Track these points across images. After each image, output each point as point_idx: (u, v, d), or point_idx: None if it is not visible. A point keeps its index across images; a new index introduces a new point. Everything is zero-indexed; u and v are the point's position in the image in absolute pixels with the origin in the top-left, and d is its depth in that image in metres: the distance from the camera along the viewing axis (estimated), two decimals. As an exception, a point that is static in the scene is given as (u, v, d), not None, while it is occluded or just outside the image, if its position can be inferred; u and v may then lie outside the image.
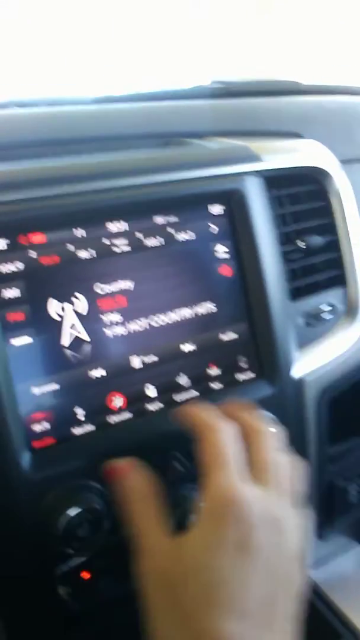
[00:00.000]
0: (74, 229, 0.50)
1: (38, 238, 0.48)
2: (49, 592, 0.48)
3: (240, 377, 0.57)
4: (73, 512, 0.45)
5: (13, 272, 0.47)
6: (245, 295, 0.58)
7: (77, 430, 0.49)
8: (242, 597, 0.36)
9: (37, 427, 0.48)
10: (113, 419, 0.51)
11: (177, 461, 0.52)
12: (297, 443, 0.60)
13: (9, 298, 0.47)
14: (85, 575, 0.49)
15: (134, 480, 0.45)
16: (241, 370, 0.58)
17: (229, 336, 0.57)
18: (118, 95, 0.77)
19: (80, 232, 0.50)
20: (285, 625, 0.37)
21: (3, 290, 0.46)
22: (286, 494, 0.42)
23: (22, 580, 0.48)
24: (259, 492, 0.40)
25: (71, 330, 0.49)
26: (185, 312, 0.55)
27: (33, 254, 0.48)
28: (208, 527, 0.39)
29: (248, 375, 0.58)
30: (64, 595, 0.49)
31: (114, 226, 0.51)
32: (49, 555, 0.47)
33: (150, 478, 0.45)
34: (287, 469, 0.44)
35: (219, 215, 0.57)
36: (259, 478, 0.42)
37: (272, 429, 0.48)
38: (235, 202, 0.57)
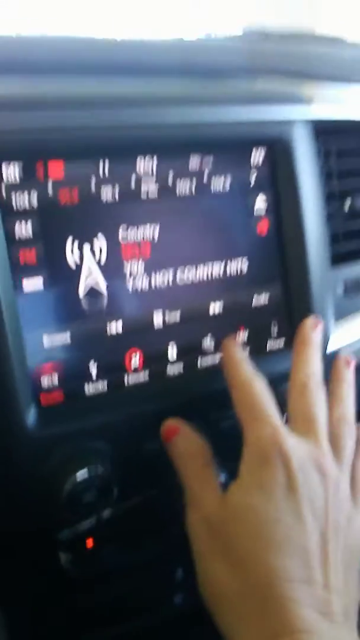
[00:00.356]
0: (98, 162, 0.44)
1: (57, 169, 0.43)
2: (49, 558, 0.45)
3: (270, 344, 0.52)
4: (80, 475, 0.41)
5: (27, 206, 0.42)
6: (281, 255, 0.52)
7: (89, 388, 0.45)
8: (297, 535, 0.36)
9: (46, 381, 0.44)
10: (129, 378, 0.46)
11: (196, 429, 0.47)
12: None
13: (21, 236, 0.42)
14: (89, 542, 0.46)
15: (190, 440, 0.44)
16: (272, 337, 0.52)
17: (261, 299, 0.52)
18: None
19: (105, 167, 0.45)
20: (339, 567, 0.37)
21: (15, 226, 0.42)
22: (327, 446, 0.42)
23: (21, 544, 0.45)
24: (299, 439, 0.41)
25: (88, 278, 0.44)
26: (215, 269, 0.49)
27: (50, 188, 0.43)
28: (253, 472, 0.39)
29: (278, 343, 0.53)
30: (64, 562, 0.45)
31: (144, 164, 0.46)
32: (51, 520, 0.43)
33: (200, 438, 0.44)
34: (324, 423, 0.43)
35: (260, 163, 0.51)
36: (298, 428, 0.42)
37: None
38: (280, 150, 0.50)
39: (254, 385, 0.43)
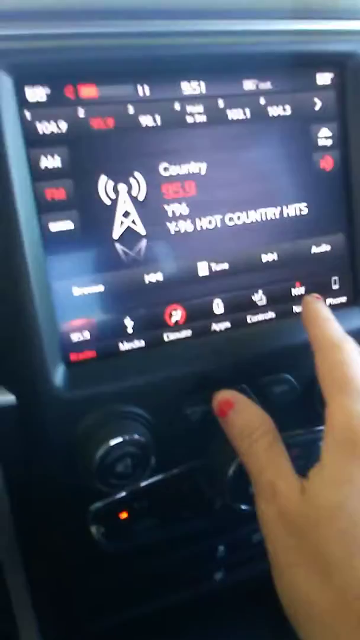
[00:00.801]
0: (137, 85, 0.38)
1: (89, 91, 0.37)
2: (80, 531, 0.41)
3: (330, 300, 0.46)
4: (112, 443, 0.36)
5: (54, 133, 0.36)
6: (347, 197, 0.45)
7: (125, 345, 0.40)
8: None
9: (76, 337, 0.39)
10: (169, 335, 0.41)
11: (244, 394, 0.42)
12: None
13: (48, 168, 0.36)
14: (123, 515, 0.42)
15: (250, 414, 0.37)
16: (332, 292, 0.46)
17: (321, 248, 0.45)
18: None
19: (144, 90, 0.38)
20: None
21: (41, 157, 0.36)
22: None
23: (52, 515, 0.41)
24: None
25: (124, 219, 0.39)
26: (270, 212, 0.43)
27: (81, 112, 0.37)
28: (339, 461, 0.32)
29: (340, 299, 0.46)
30: (96, 535, 0.41)
31: (190, 87, 0.39)
32: (82, 491, 0.39)
33: (261, 410, 0.38)
34: None
35: (326, 87, 0.43)
36: None
37: None
38: (350, 70, 0.43)
39: (345, 349, 0.35)
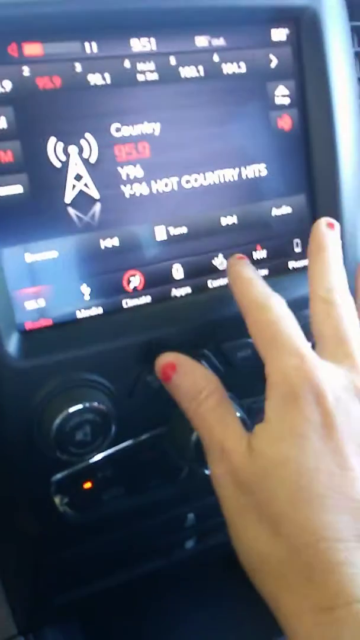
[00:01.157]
0: (84, 42, 0.37)
1: (33, 49, 0.35)
2: (44, 502, 0.40)
3: (292, 264, 0.45)
4: (70, 410, 0.36)
5: (-2, 93, 0.35)
6: (307, 157, 0.44)
7: (82, 313, 0.39)
8: (342, 484, 0.30)
9: (30, 305, 0.38)
10: (127, 302, 0.40)
11: (207, 361, 0.41)
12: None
13: (-7, 129, 0.35)
14: (87, 484, 0.41)
15: (195, 375, 0.37)
16: (294, 255, 0.45)
17: (282, 210, 0.44)
18: None
19: (92, 47, 0.37)
20: None
21: (-15, 118, 0.35)
22: None
23: (13, 486, 0.40)
24: (332, 366, 0.34)
25: (76, 182, 0.38)
26: (228, 174, 0.42)
27: (26, 70, 0.35)
28: (281, 415, 0.32)
29: (301, 262, 0.46)
30: (60, 505, 0.41)
31: (140, 44, 0.38)
32: (44, 461, 0.38)
33: (205, 370, 0.38)
34: (359, 341, 0.35)
35: (282, 43, 0.42)
36: (329, 353, 0.35)
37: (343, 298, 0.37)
38: (306, 25, 0.42)
39: (271, 306, 0.36)
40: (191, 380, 0.36)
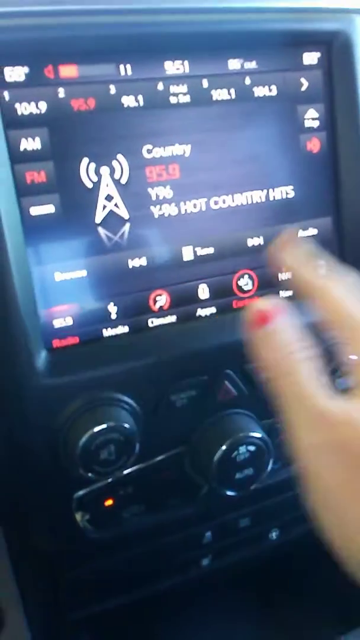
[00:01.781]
0: (119, 65, 0.37)
1: (69, 71, 0.36)
2: (65, 518, 0.40)
3: (317, 285, 0.45)
4: (95, 430, 0.36)
5: (33, 114, 0.35)
6: (335, 179, 0.44)
7: (108, 331, 0.39)
8: None
9: (59, 323, 0.38)
10: (153, 321, 0.40)
11: (230, 382, 0.42)
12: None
13: (28, 150, 0.35)
14: (108, 502, 0.41)
15: (285, 326, 0.32)
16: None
17: (308, 232, 0.44)
18: None
19: (126, 69, 0.37)
20: None
21: (21, 139, 0.35)
22: None
23: (36, 501, 0.40)
24: None
25: (107, 202, 0.38)
26: (256, 195, 0.42)
27: (61, 92, 0.36)
28: None
29: (326, 284, 0.46)
30: (81, 522, 0.41)
31: (173, 67, 0.38)
32: (66, 478, 0.38)
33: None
34: None
35: (313, 66, 0.42)
36: None
37: None
38: (338, 49, 0.42)
39: (337, 285, 0.32)
40: (291, 330, 0.32)
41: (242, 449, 0.40)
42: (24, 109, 0.35)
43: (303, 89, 0.42)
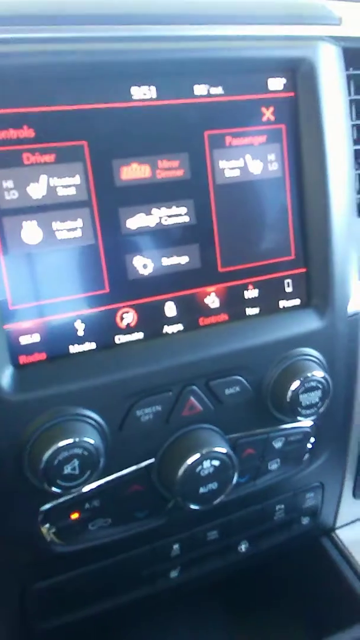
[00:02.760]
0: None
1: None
2: (31, 531, 0.41)
3: (283, 303, 0.47)
4: (59, 445, 0.37)
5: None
6: (299, 201, 0.45)
7: (75, 348, 0.40)
8: None
9: (25, 339, 0.39)
10: (120, 338, 0.41)
11: (196, 397, 0.42)
12: (343, 389, 0.50)
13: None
14: (74, 515, 0.42)
15: None
16: (285, 295, 0.46)
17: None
18: None
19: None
20: None
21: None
22: None
23: (1, 513, 0.41)
24: None
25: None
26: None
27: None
28: None
29: (292, 302, 0.47)
30: (47, 535, 0.42)
31: (140, 92, 0.39)
32: (32, 492, 0.39)
33: None
34: None
35: (278, 92, 0.43)
36: None
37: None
38: (302, 75, 0.43)
39: None
40: None
41: (207, 463, 0.41)
42: None
43: (268, 114, 0.43)
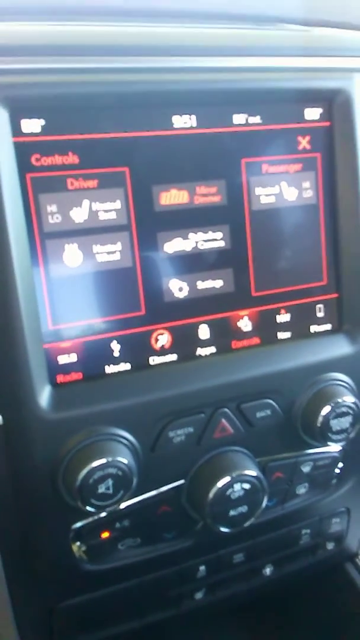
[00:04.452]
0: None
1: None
2: (62, 549, 0.41)
3: (314, 328, 0.47)
4: (94, 464, 0.37)
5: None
6: (332, 228, 0.46)
7: (111, 368, 0.41)
8: None
9: (63, 359, 0.40)
10: (154, 359, 0.42)
11: (227, 420, 0.43)
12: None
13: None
14: (104, 534, 0.42)
15: None
16: (316, 320, 0.47)
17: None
18: None
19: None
20: None
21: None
22: None
23: (34, 532, 0.41)
24: None
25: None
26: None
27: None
28: None
29: (323, 327, 0.47)
30: (77, 553, 0.42)
31: (181, 120, 0.41)
32: (65, 510, 0.39)
33: None
34: None
35: (314, 121, 0.44)
36: None
37: None
38: (339, 105, 0.44)
39: None
40: None
41: (237, 486, 0.42)
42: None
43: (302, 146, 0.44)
